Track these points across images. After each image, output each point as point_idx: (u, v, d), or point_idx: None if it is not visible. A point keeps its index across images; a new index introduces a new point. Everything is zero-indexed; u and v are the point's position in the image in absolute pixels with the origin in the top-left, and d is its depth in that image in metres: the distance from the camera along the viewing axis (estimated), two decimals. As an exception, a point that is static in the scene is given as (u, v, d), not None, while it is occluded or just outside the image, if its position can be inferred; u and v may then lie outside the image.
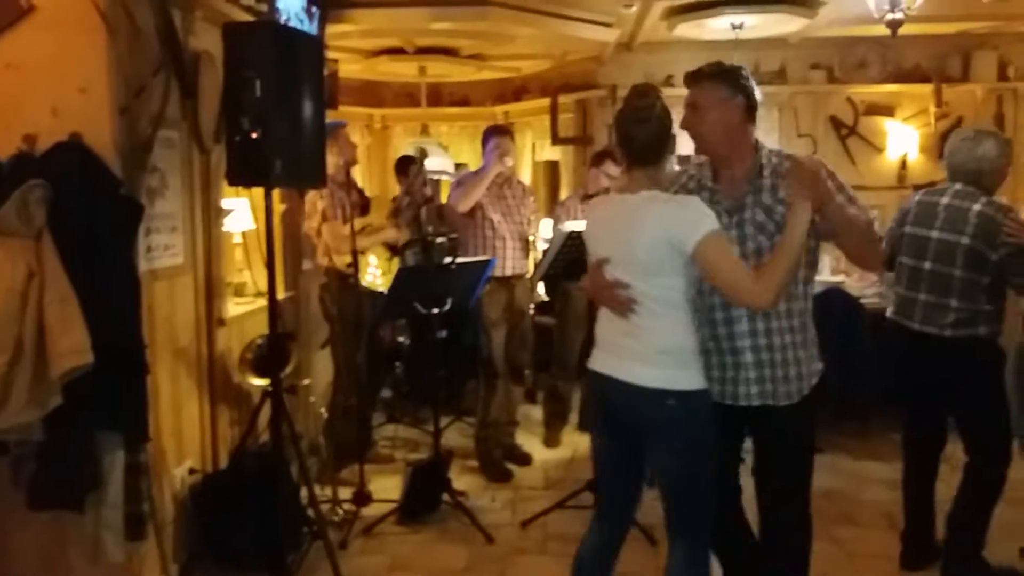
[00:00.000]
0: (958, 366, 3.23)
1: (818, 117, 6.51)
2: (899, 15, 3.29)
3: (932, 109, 6.29)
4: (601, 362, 2.54)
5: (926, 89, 6.29)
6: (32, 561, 3.01)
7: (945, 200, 3.26)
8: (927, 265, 3.26)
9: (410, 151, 5.78)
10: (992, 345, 3.26)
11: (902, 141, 6.44)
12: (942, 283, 3.21)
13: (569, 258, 3.96)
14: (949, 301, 3.19)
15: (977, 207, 3.16)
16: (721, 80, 2.50)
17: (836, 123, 6.51)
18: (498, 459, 4.72)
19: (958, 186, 3.26)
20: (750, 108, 2.52)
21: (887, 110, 6.49)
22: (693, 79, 2.55)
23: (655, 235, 2.35)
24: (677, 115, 2.54)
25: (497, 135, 4.78)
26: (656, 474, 2.53)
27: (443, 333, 4.16)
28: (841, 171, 6.55)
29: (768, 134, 6.51)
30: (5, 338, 2.55)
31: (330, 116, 5.51)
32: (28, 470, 2.74)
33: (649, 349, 2.40)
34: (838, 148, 6.49)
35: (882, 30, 5.74)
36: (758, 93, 2.54)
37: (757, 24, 5.42)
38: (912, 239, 3.32)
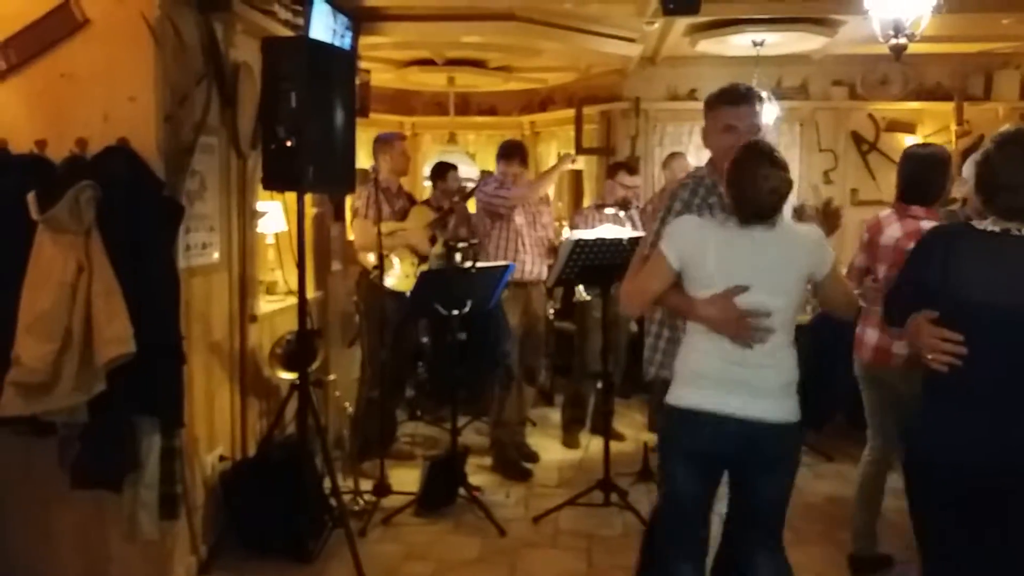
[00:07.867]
0: None
1: (839, 132, 6.61)
2: (903, 40, 3.40)
3: (953, 127, 6.37)
4: (719, 401, 2.38)
5: (947, 107, 6.38)
6: (71, 537, 3.22)
7: None
8: None
9: (445, 158, 5.93)
10: None
11: (923, 158, 6.51)
12: None
13: (582, 265, 4.09)
14: None
15: None
16: (757, 101, 2.71)
17: (857, 138, 6.61)
18: (514, 458, 4.86)
19: None
20: None
21: (908, 127, 6.58)
22: (733, 100, 2.72)
23: (803, 263, 2.44)
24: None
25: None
26: (751, 498, 2.53)
27: (462, 335, 4.32)
28: (862, 185, 6.69)
29: (788, 148, 6.61)
30: (56, 327, 2.76)
31: (363, 124, 5.73)
32: (73, 451, 2.95)
33: (785, 379, 2.43)
34: (859, 163, 6.60)
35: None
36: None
37: (778, 41, 5.54)
38: None
